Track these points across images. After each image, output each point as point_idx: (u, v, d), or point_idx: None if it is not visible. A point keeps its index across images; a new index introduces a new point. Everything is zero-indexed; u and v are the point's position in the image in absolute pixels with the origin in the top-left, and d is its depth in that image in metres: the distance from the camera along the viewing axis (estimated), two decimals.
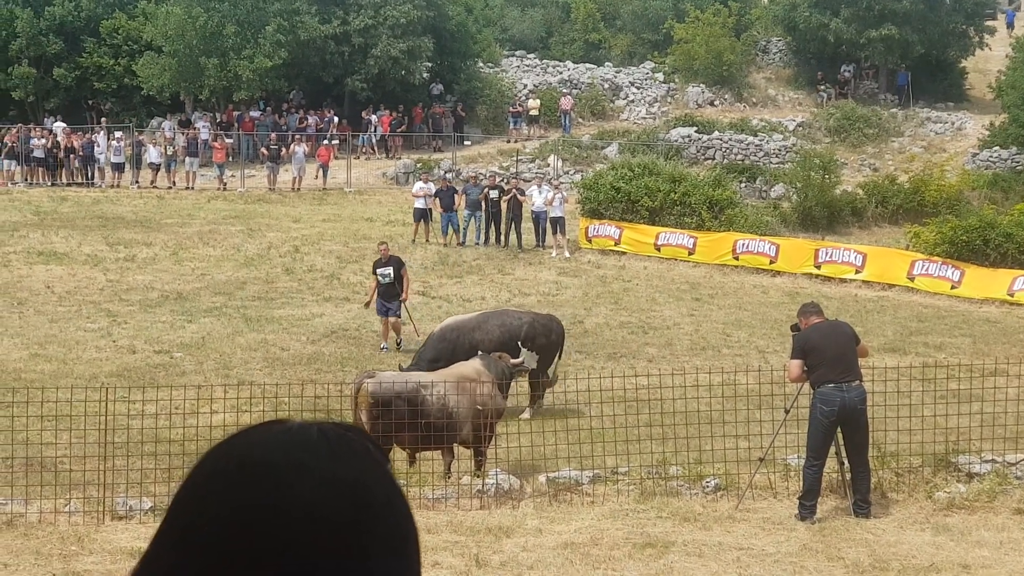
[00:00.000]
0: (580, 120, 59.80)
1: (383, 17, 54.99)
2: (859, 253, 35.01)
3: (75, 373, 21.74)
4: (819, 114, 59.69)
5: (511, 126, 57.64)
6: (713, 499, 14.58)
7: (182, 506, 1.49)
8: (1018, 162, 50.10)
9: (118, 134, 49.03)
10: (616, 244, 38.08)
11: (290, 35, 53.08)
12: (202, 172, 48.59)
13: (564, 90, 60.68)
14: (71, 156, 48.26)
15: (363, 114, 54.86)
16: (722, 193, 38.93)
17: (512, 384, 17.91)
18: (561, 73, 63.98)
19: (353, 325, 27.12)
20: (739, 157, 52.15)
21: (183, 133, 50.55)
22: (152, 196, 45.75)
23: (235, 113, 54.24)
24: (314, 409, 15.64)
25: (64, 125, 51.56)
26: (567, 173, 49.89)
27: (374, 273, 25.85)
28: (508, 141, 56.03)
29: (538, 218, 38.24)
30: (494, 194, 38.44)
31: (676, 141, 53.12)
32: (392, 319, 25.38)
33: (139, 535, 12.62)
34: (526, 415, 19.68)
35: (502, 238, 38.37)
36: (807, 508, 13.74)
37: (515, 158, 51.60)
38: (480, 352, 17.93)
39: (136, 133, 51.06)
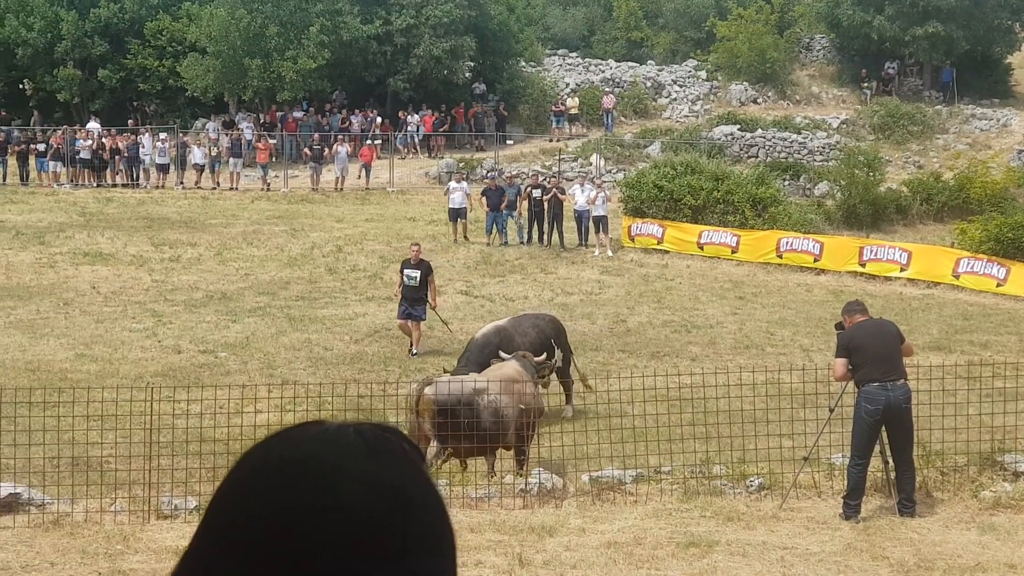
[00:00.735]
0: (622, 119, 59.69)
1: (425, 17, 55.07)
2: (904, 251, 34.80)
3: (120, 373, 21.88)
4: (863, 111, 59.36)
5: (553, 125, 57.62)
6: (757, 498, 14.52)
7: (222, 506, 1.51)
8: None
9: (163, 135, 49.30)
10: (659, 243, 37.99)
11: (333, 35, 53.23)
12: (246, 173, 48.80)
13: (606, 88, 60.58)
14: (116, 157, 48.58)
15: (399, 114, 54.94)
16: (765, 191, 38.77)
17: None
18: (603, 71, 63.89)
19: (396, 325, 27.16)
20: (783, 155, 51.94)
21: (227, 134, 50.78)
22: (196, 197, 45.99)
23: (278, 114, 54.46)
24: (357, 408, 15.68)
25: (98, 126, 51.92)
26: (609, 172, 49.82)
27: (400, 272, 25.43)
28: (550, 140, 56.01)
29: (580, 217, 38.21)
30: (536, 193, 38.45)
31: (719, 139, 52.97)
32: (413, 322, 24.74)
33: (184, 534, 12.69)
34: (568, 413, 19.73)
35: (544, 237, 38.37)
36: (852, 507, 13.67)
37: (557, 157, 51.57)
38: (507, 353, 17.95)
39: (180, 134, 51.36)
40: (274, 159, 49.81)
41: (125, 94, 58.22)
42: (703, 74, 64.21)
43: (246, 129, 51.59)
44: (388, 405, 16.63)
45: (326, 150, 48.82)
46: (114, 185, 48.06)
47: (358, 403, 15.56)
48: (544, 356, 18.37)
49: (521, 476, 15.12)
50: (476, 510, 14.02)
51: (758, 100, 62.09)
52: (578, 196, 38.21)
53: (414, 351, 24.58)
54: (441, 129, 54.79)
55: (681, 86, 63.34)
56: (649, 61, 66.81)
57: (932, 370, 15.57)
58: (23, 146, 48.82)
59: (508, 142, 55.22)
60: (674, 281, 33.92)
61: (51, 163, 47.70)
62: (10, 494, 13.66)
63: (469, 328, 24.41)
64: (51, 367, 22.45)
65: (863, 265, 34.72)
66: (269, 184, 47.92)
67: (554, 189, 38.44)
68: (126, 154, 48.49)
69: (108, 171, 48.65)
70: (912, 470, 13.93)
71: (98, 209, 42.60)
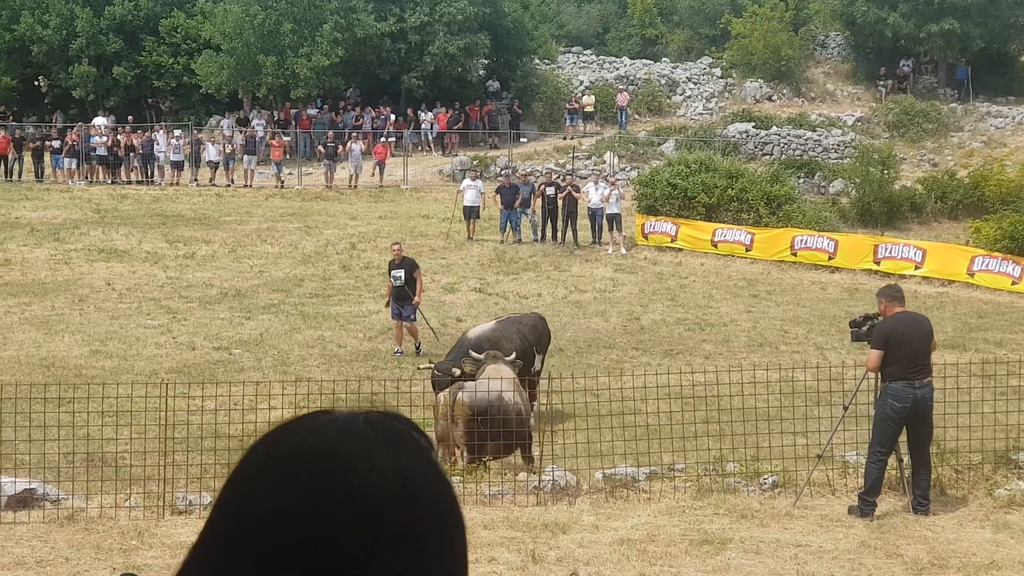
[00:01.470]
0: (636, 116, 59.65)
1: (439, 14, 55.06)
2: (919, 249, 34.73)
3: (135, 369, 21.94)
4: (878, 109, 59.25)
5: (567, 123, 57.63)
6: (771, 496, 14.51)
7: (232, 498, 1.50)
8: None
9: (177, 132, 49.41)
10: (673, 241, 37.97)
11: (347, 33, 53.26)
12: (260, 170, 48.87)
13: (620, 86, 60.52)
14: (131, 154, 48.70)
15: (408, 111, 54.96)
16: (780, 189, 38.73)
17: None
18: (617, 69, 63.86)
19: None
20: (797, 152, 51.87)
21: (241, 131, 50.87)
22: (211, 194, 46.07)
23: (292, 111, 54.52)
24: (371, 405, 15.67)
25: (104, 121, 52.05)
26: (623, 170, 49.78)
27: (389, 274, 25.10)
28: (564, 138, 56.01)
29: (594, 215, 38.21)
30: (550, 191, 38.45)
31: (733, 137, 52.91)
32: (407, 324, 24.54)
33: (198, 530, 12.68)
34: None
35: (558, 235, 38.37)
36: (869, 504, 13.60)
37: (571, 155, 51.58)
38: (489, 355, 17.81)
39: (195, 131, 51.42)
40: (288, 156, 49.90)
41: (140, 91, 58.34)
42: (718, 71, 64.14)
43: (260, 126, 51.68)
44: (402, 402, 16.63)
45: (340, 147, 48.83)
46: (129, 182, 48.18)
47: (371, 400, 15.58)
48: (514, 356, 18.11)
49: (534, 473, 15.16)
50: (490, 507, 14.04)
51: (773, 97, 62.01)
52: (592, 194, 38.22)
53: (398, 350, 24.28)
54: (455, 127, 54.81)
55: (696, 83, 63.28)
56: (664, 58, 66.78)
57: (947, 368, 15.52)
58: (38, 143, 48.97)
59: (522, 140, 55.23)
60: (688, 279, 33.90)
61: (66, 160, 47.80)
62: (25, 489, 13.71)
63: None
64: (66, 363, 22.51)
65: (877, 263, 34.66)
66: (283, 181, 48.00)
67: (568, 187, 38.44)
68: (141, 151, 48.62)
69: (123, 168, 48.78)
70: (928, 468, 13.89)
71: (113, 206, 42.69)
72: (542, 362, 20.25)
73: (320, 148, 49.64)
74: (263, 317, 27.47)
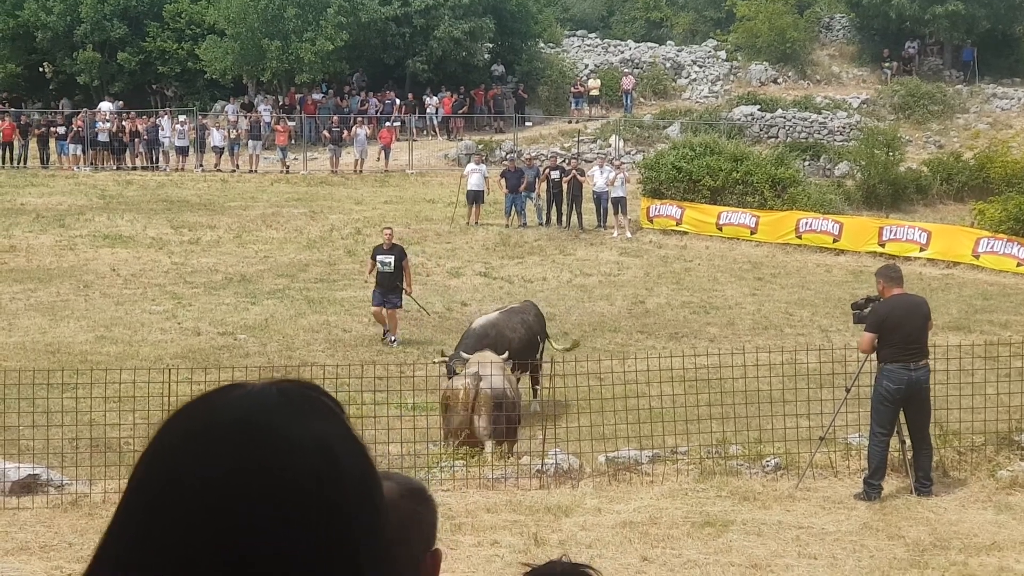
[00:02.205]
0: (642, 100, 59.55)
1: None
2: (924, 231, 34.72)
3: (140, 355, 21.97)
4: (883, 91, 59.07)
5: (572, 106, 57.55)
6: (773, 478, 14.53)
7: (148, 473, 1.48)
8: None
9: (182, 118, 49.39)
10: (678, 224, 37.95)
11: (351, 17, 53.15)
12: (265, 155, 48.88)
13: (625, 70, 60.41)
14: (136, 140, 48.72)
15: (410, 96, 54.90)
16: (785, 172, 38.72)
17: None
18: (622, 52, 63.74)
19: (414, 307, 27.21)
20: (803, 135, 51.78)
21: (246, 116, 50.85)
22: (216, 179, 46.09)
23: (297, 96, 54.46)
24: (374, 390, 15.71)
25: (110, 106, 52.08)
26: (628, 153, 49.76)
27: (372, 258, 24.42)
28: (569, 122, 55.93)
29: (599, 198, 38.19)
30: (555, 175, 38.41)
31: (739, 120, 52.82)
32: (389, 309, 23.83)
33: None
34: (535, 408, 19.27)
35: (563, 219, 38.36)
36: (874, 487, 13.58)
37: (576, 138, 51.52)
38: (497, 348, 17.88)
39: (200, 117, 51.37)
40: (293, 141, 49.89)
41: (144, 77, 58.30)
42: (723, 54, 64.00)
43: (265, 112, 51.64)
44: (406, 386, 16.68)
45: (345, 132, 48.81)
46: (134, 168, 48.19)
47: (375, 384, 15.60)
48: (506, 355, 17.96)
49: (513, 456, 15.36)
50: (492, 491, 14.07)
51: (778, 80, 61.86)
52: (597, 177, 38.20)
53: (392, 339, 23.80)
54: (460, 111, 54.78)
55: (701, 66, 63.15)
56: (668, 42, 66.65)
57: (950, 350, 15.51)
58: (43, 129, 48.99)
59: (527, 124, 55.14)
60: (693, 262, 33.90)
61: (71, 146, 47.82)
62: (29, 475, 13.75)
63: (485, 310, 24.36)
64: (71, 349, 22.55)
65: (883, 245, 34.64)
66: (288, 166, 48.00)
67: (573, 171, 38.41)
68: (146, 137, 48.62)
69: (128, 154, 48.80)
70: (929, 449, 13.90)
71: (118, 192, 42.72)
72: (543, 349, 20.28)
73: (325, 133, 49.58)
74: (268, 302, 27.51)
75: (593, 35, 67.76)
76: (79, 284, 29.01)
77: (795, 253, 35.25)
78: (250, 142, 48.50)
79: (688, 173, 38.54)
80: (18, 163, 48.13)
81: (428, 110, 54.89)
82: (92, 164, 48.00)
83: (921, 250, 34.09)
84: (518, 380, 18.04)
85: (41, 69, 60.22)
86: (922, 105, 56.41)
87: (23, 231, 35.12)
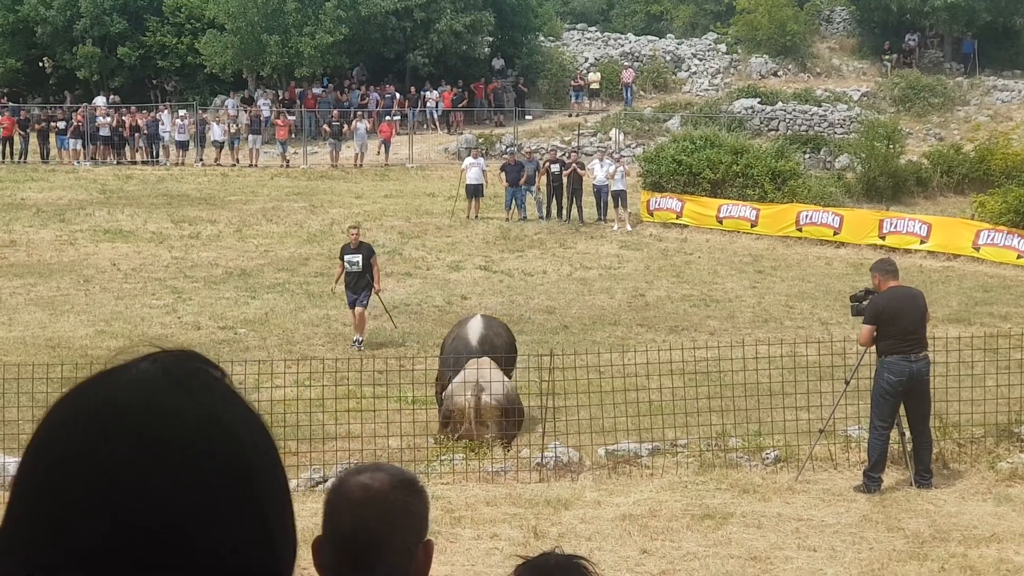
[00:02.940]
0: (642, 93, 59.54)
1: None
2: (924, 223, 34.69)
3: (140, 350, 21.91)
4: (884, 84, 59.04)
5: (573, 100, 57.54)
6: (773, 471, 14.54)
7: (37, 460, 1.43)
8: None
9: (182, 112, 49.41)
10: (678, 217, 37.93)
11: (351, 11, 53.13)
12: (265, 149, 48.88)
13: (626, 63, 60.40)
14: (136, 135, 48.73)
15: (411, 89, 54.88)
16: (785, 164, 38.68)
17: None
18: (623, 46, 63.70)
19: (415, 300, 27.26)
20: (803, 128, 51.77)
21: (246, 111, 50.86)
22: (216, 174, 46.06)
23: (297, 90, 54.46)
24: (373, 383, 15.73)
25: (104, 100, 52.08)
26: (629, 146, 49.76)
27: (341, 259, 23.77)
28: (570, 115, 55.92)
29: (599, 192, 38.17)
30: (555, 168, 38.40)
31: (739, 113, 52.79)
32: (359, 309, 23.17)
33: None
34: None
35: (563, 212, 38.34)
36: (875, 480, 13.59)
37: (577, 132, 51.52)
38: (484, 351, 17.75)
39: (200, 111, 51.36)
40: (293, 136, 49.87)
41: (144, 72, 58.31)
42: (723, 47, 63.95)
43: (265, 106, 51.65)
44: (404, 379, 16.68)
45: (345, 126, 48.80)
46: (134, 162, 48.20)
47: (374, 378, 15.61)
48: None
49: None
50: (492, 484, 14.08)
51: (778, 73, 61.83)
52: (597, 171, 38.17)
53: (357, 339, 23.15)
54: (460, 105, 54.76)
55: (701, 59, 63.12)
56: (669, 35, 66.59)
57: (950, 342, 15.52)
58: (44, 124, 48.99)
59: (527, 117, 55.13)
60: (693, 255, 33.89)
61: (71, 141, 47.82)
62: None
63: (486, 303, 24.40)
64: (71, 344, 22.56)
65: (883, 238, 34.62)
66: (288, 161, 47.98)
67: (573, 164, 38.39)
68: (146, 131, 48.62)
69: (128, 148, 48.80)
70: (929, 441, 13.91)
71: (118, 186, 42.70)
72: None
73: (325, 127, 49.58)
74: (268, 296, 27.52)
75: (593, 28, 67.70)
76: (79, 279, 29.02)
77: (795, 246, 35.24)
78: (250, 136, 48.49)
79: (688, 166, 38.50)
80: (19, 158, 48.15)
81: (428, 104, 54.89)
82: (92, 159, 47.99)
83: (921, 242, 34.07)
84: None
85: (41, 64, 60.25)
86: (922, 98, 56.38)
87: (23, 226, 35.13)
